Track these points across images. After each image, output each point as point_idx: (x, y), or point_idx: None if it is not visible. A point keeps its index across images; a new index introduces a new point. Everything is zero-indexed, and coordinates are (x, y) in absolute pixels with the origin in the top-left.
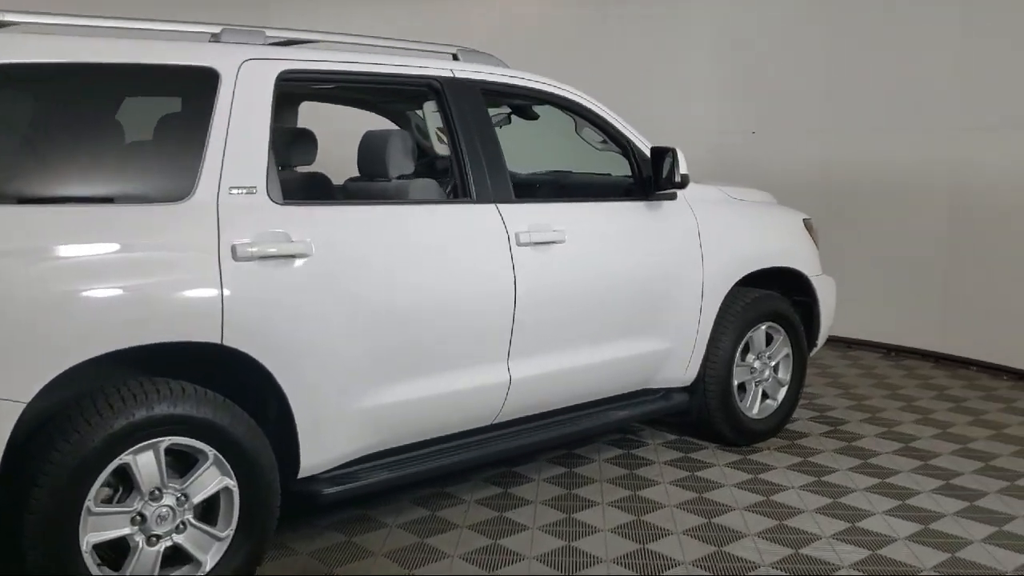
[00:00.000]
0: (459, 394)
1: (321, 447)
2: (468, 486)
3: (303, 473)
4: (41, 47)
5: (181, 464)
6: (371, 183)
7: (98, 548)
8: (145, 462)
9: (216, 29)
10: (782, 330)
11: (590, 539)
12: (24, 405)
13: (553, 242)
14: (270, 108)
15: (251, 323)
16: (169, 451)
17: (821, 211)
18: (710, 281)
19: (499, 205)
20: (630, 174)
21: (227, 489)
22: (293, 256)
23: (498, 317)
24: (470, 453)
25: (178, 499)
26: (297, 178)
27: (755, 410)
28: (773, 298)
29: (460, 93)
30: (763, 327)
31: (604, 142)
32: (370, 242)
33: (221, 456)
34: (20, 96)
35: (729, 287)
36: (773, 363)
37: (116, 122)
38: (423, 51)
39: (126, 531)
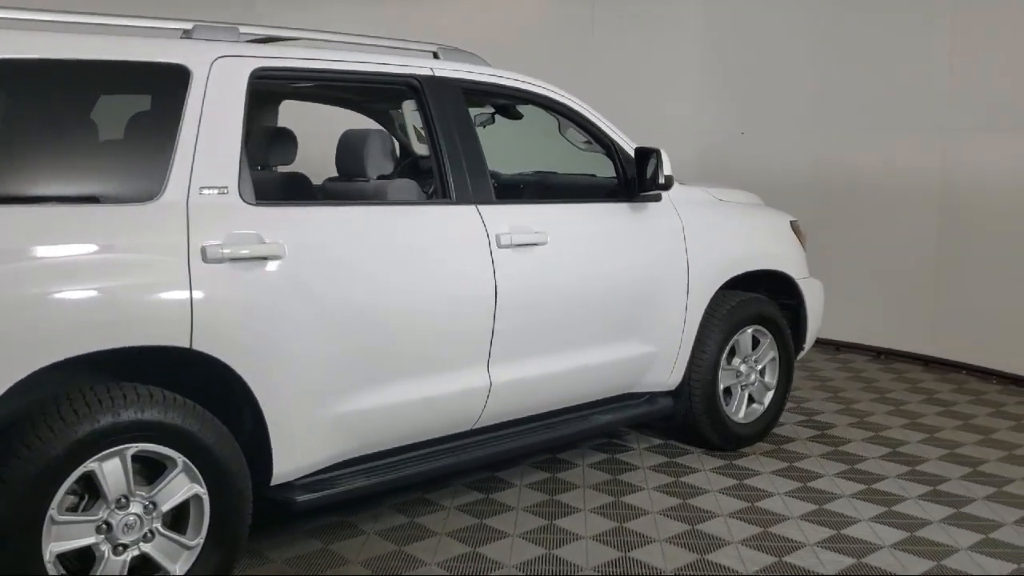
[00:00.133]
0: (438, 399)
1: (295, 453)
2: (449, 491)
3: (276, 480)
4: (1, 43)
5: (149, 471)
6: (349, 183)
7: (62, 558)
8: (111, 469)
9: (188, 25)
10: (769, 333)
11: (571, 547)
12: None
13: (535, 244)
14: (243, 106)
15: (221, 327)
16: (137, 458)
17: (810, 213)
18: (695, 284)
19: (479, 206)
20: (614, 175)
21: (197, 497)
22: (265, 258)
23: (477, 320)
24: (449, 459)
25: (146, 507)
26: (276, 178)
27: (741, 414)
28: (759, 301)
29: (440, 92)
30: (749, 330)
31: (588, 142)
32: (345, 244)
33: (190, 463)
34: None
35: (715, 290)
36: (759, 367)
37: (84, 120)
38: (404, 49)
39: (91, 540)
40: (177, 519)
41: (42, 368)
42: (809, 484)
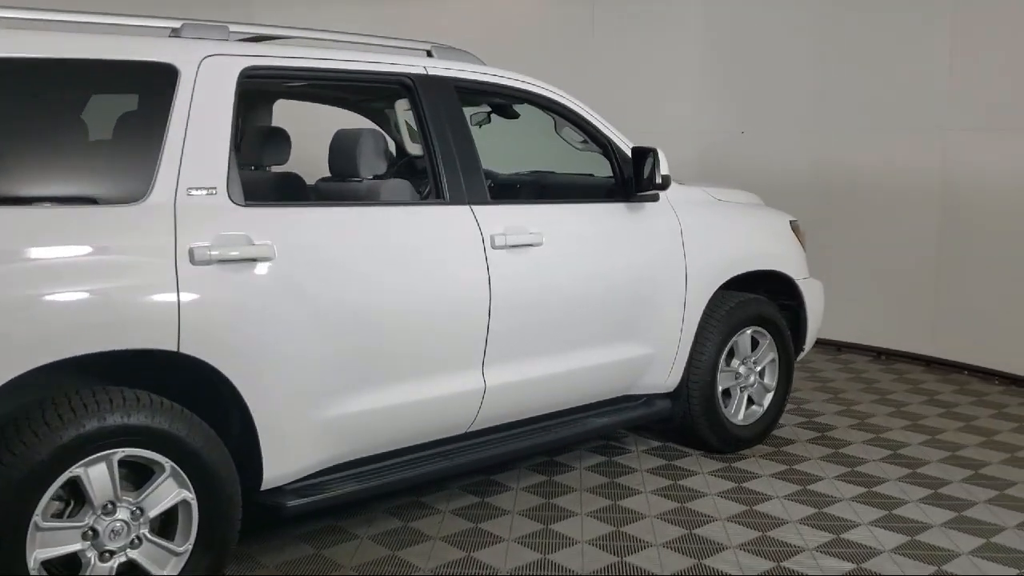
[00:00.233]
0: (431, 402)
1: (285, 458)
2: (444, 495)
3: (267, 485)
4: None
5: (137, 476)
6: (342, 183)
7: (48, 565)
8: (97, 475)
9: (177, 24)
10: (768, 335)
11: (567, 551)
12: None
13: (530, 245)
14: (232, 106)
15: (209, 330)
16: (124, 463)
17: (810, 213)
18: (693, 284)
19: (473, 206)
20: (611, 175)
21: (185, 502)
22: (254, 260)
23: (472, 322)
24: (443, 463)
25: (133, 513)
26: (269, 178)
27: (740, 416)
28: (759, 302)
29: (433, 90)
30: (748, 331)
31: (584, 142)
32: (337, 245)
33: (178, 468)
34: None
35: (713, 291)
36: (759, 368)
37: (69, 120)
38: (397, 48)
39: (77, 547)
40: (165, 525)
41: (26, 372)
42: (809, 487)
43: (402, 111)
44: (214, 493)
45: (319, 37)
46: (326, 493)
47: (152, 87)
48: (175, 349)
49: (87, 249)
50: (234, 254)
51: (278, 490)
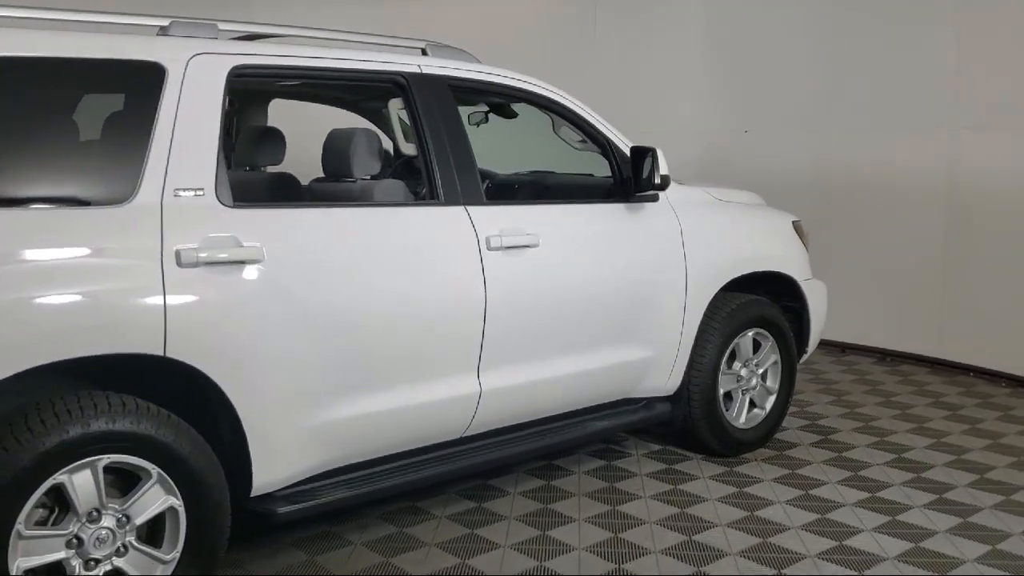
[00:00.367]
0: (425, 406)
1: (275, 463)
2: (440, 500)
3: (257, 491)
4: None
5: (123, 483)
6: (336, 184)
7: (31, 573)
8: (82, 482)
9: (165, 22)
10: (770, 336)
11: (564, 558)
12: None
13: (527, 246)
14: (221, 105)
15: (197, 333)
16: (109, 469)
17: (813, 213)
18: (694, 286)
19: (468, 207)
20: (610, 175)
21: (172, 509)
22: (243, 262)
23: (467, 325)
24: (438, 468)
25: (119, 520)
26: (263, 179)
27: (742, 419)
28: (761, 303)
29: (427, 89)
30: (750, 333)
31: (583, 141)
32: (327, 247)
33: (165, 474)
34: None
35: (714, 292)
36: (761, 371)
37: (55, 120)
38: (392, 46)
39: (61, 555)
40: (152, 532)
41: (6, 379)
42: (811, 492)
43: (396, 110)
44: (202, 500)
45: (312, 36)
46: (318, 499)
47: (139, 86)
48: (161, 353)
49: (70, 251)
50: (222, 256)
51: (268, 496)
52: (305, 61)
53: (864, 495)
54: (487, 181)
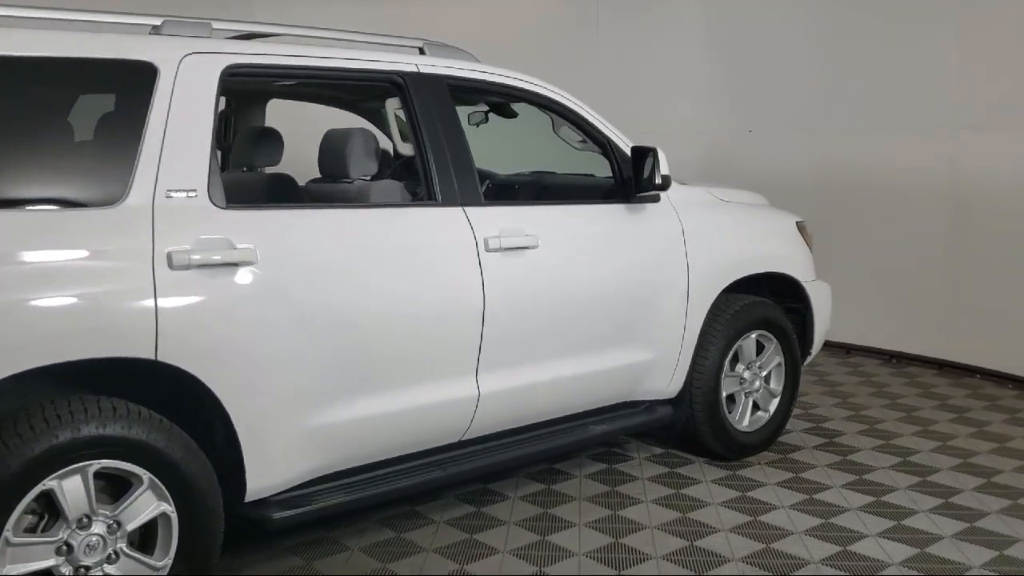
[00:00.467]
0: (422, 410)
1: (269, 468)
2: (439, 504)
3: (251, 496)
4: None
5: (114, 488)
6: (332, 185)
7: None
8: (71, 487)
9: (158, 21)
10: (774, 338)
11: (563, 564)
12: None
13: (525, 247)
14: (213, 105)
15: (189, 337)
16: (100, 475)
17: (817, 213)
18: (696, 287)
19: (466, 208)
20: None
21: (164, 515)
22: (236, 264)
23: (464, 327)
24: (436, 473)
25: (110, 527)
26: (260, 180)
27: (745, 422)
28: (764, 305)
29: (425, 88)
30: (753, 335)
31: (583, 141)
32: (323, 248)
33: (157, 480)
34: None
35: (716, 293)
36: (764, 373)
37: (44, 120)
38: (389, 45)
39: (51, 562)
40: (144, 539)
41: None
42: (815, 496)
43: (391, 110)
44: (195, 506)
45: (309, 35)
46: (313, 505)
47: (130, 86)
48: (153, 357)
49: (59, 254)
50: (215, 258)
51: (263, 502)
52: (300, 60)
53: (869, 499)
54: (487, 182)
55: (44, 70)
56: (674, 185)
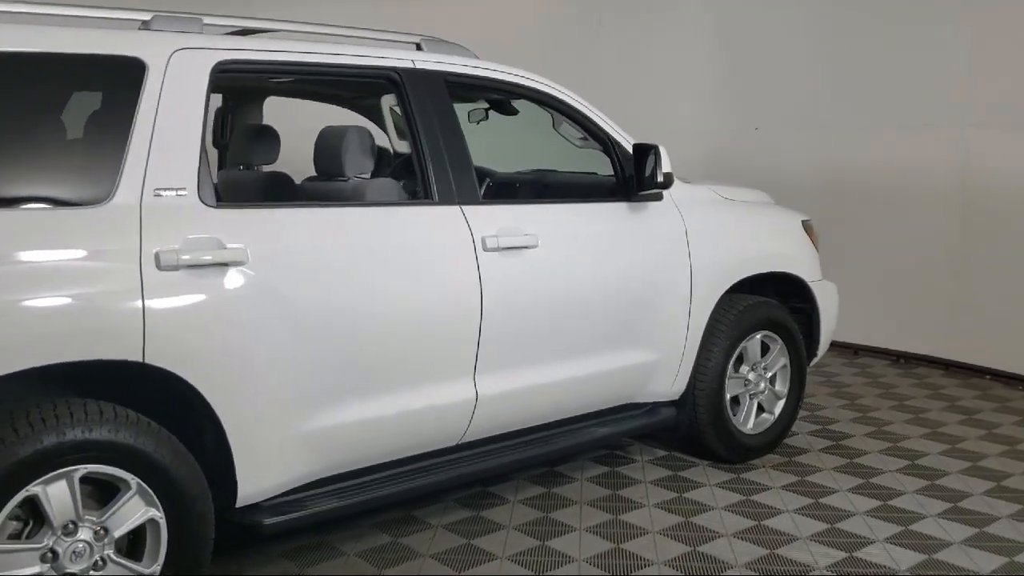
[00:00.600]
0: (419, 413)
1: (261, 473)
2: (438, 508)
3: (242, 502)
4: None
5: (101, 494)
6: (328, 183)
7: None
8: (57, 493)
9: (147, 16)
10: (779, 339)
11: (562, 571)
12: None
13: (524, 247)
14: (204, 102)
15: (177, 339)
16: (87, 480)
17: (823, 212)
18: (699, 287)
19: (463, 207)
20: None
21: (153, 521)
22: (226, 264)
23: (461, 328)
24: (432, 477)
25: (96, 533)
26: (255, 178)
27: (749, 425)
28: (769, 305)
29: (421, 85)
30: (758, 336)
31: (584, 139)
32: (316, 248)
33: (145, 485)
34: None
35: (720, 294)
36: (769, 374)
37: (32, 118)
38: (385, 41)
39: (36, 569)
40: (132, 545)
41: None
42: (821, 500)
43: (387, 107)
44: (184, 511)
45: (304, 30)
46: (306, 510)
47: (117, 83)
48: (140, 360)
49: (45, 254)
50: (204, 258)
51: (254, 507)
52: (294, 56)
53: (876, 503)
54: (487, 180)
55: (27, 66)
56: (677, 183)
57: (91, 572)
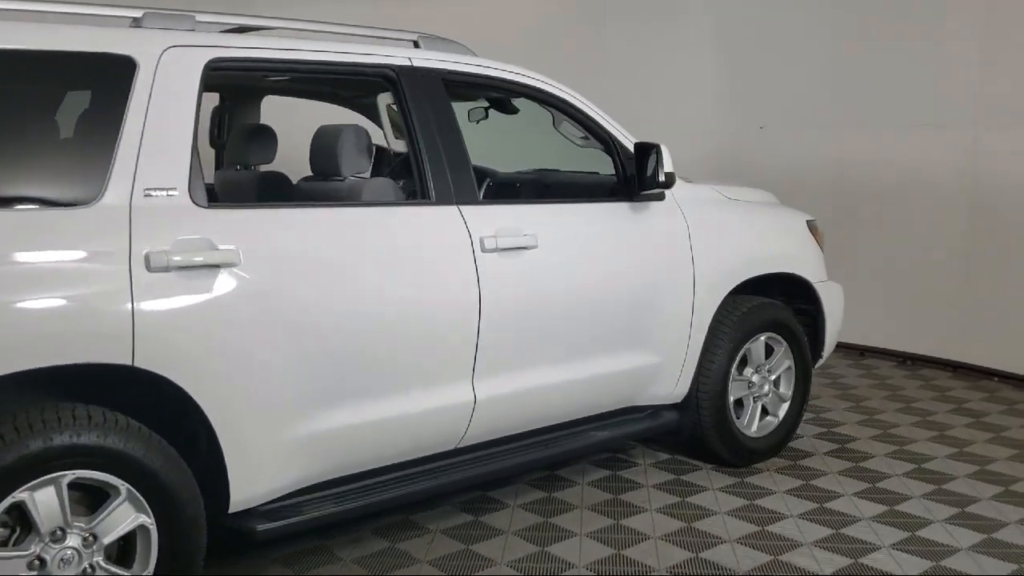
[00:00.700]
0: (415, 417)
1: (254, 478)
2: (436, 513)
3: (235, 507)
4: None
5: (91, 500)
6: (324, 183)
7: None
8: (44, 499)
9: (139, 13)
10: (783, 341)
11: None
12: None
13: (524, 248)
14: (196, 100)
15: (167, 342)
16: (75, 486)
17: (830, 212)
18: (702, 288)
19: (461, 207)
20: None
21: (143, 527)
22: (217, 266)
23: (459, 331)
24: (429, 482)
25: (85, 540)
26: (251, 178)
27: (753, 428)
28: (773, 306)
29: (419, 83)
30: (762, 338)
31: (585, 138)
32: (309, 249)
33: (135, 490)
34: None
35: (724, 295)
36: (773, 377)
37: (19, 116)
38: (382, 38)
39: None
40: (122, 552)
41: None
42: (826, 505)
43: (383, 105)
44: (175, 517)
45: (300, 28)
46: (301, 515)
47: (107, 81)
48: (130, 363)
49: (32, 255)
50: (195, 260)
51: (248, 513)
52: (288, 54)
53: (882, 508)
54: (487, 180)
55: (14, 64)
56: (679, 183)
57: None
